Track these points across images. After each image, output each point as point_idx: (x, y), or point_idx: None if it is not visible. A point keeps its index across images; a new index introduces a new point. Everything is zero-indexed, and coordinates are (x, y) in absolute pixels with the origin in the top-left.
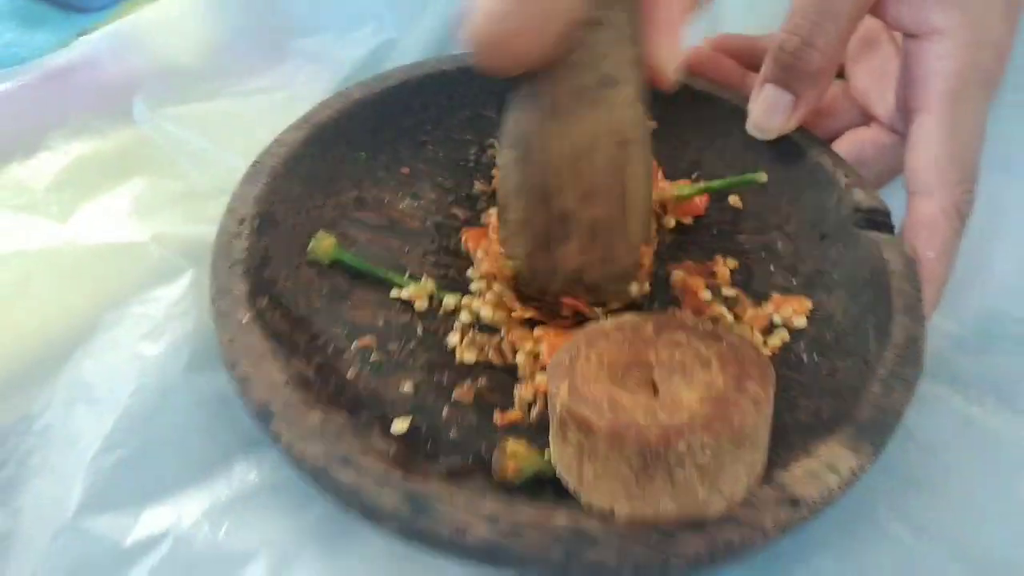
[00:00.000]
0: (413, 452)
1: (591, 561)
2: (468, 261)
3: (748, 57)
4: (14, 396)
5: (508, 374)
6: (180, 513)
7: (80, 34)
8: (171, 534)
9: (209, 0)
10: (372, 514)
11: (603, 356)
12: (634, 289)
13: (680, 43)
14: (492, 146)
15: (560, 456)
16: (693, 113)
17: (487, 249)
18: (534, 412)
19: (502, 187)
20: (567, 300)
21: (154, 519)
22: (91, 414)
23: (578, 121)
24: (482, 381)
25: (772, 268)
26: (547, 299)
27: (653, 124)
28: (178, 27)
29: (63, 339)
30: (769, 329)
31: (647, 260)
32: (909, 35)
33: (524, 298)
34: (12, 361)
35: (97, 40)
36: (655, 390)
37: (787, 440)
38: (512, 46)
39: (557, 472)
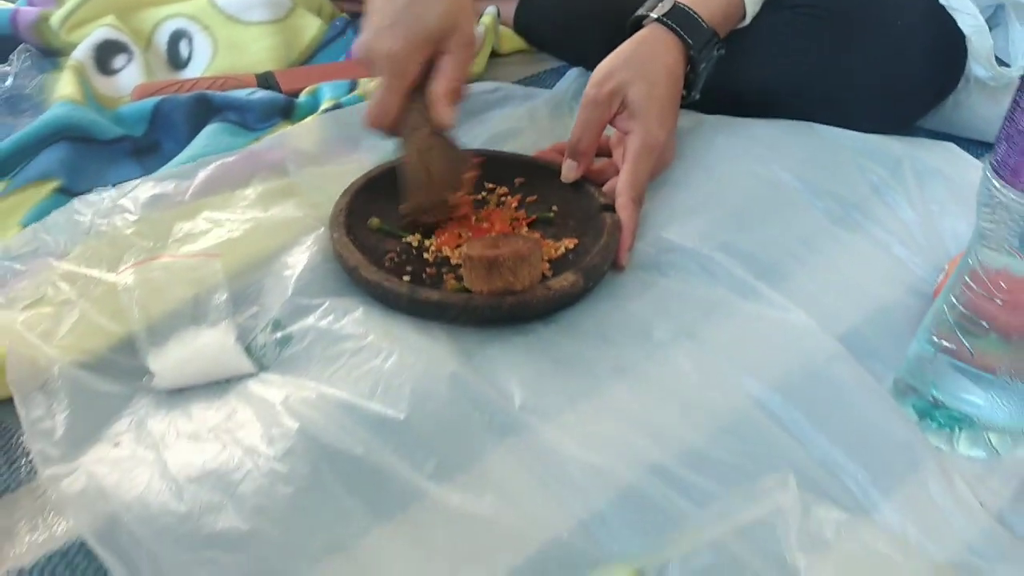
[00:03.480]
0: (411, 284)
1: (473, 304)
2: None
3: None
4: (252, 273)
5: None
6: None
7: (257, 139)
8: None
9: (320, 122)
10: (393, 296)
11: (483, 242)
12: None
13: (449, 113)
14: None
15: (464, 275)
16: (545, 172)
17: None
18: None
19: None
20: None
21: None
22: (287, 276)
23: (409, 143)
24: (438, 268)
25: (565, 230)
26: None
27: (521, 179)
28: (305, 135)
29: (272, 252)
30: (558, 248)
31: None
32: (625, 134)
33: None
34: (249, 260)
35: (267, 140)
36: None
37: (555, 274)
38: (379, 124)
39: (464, 284)
